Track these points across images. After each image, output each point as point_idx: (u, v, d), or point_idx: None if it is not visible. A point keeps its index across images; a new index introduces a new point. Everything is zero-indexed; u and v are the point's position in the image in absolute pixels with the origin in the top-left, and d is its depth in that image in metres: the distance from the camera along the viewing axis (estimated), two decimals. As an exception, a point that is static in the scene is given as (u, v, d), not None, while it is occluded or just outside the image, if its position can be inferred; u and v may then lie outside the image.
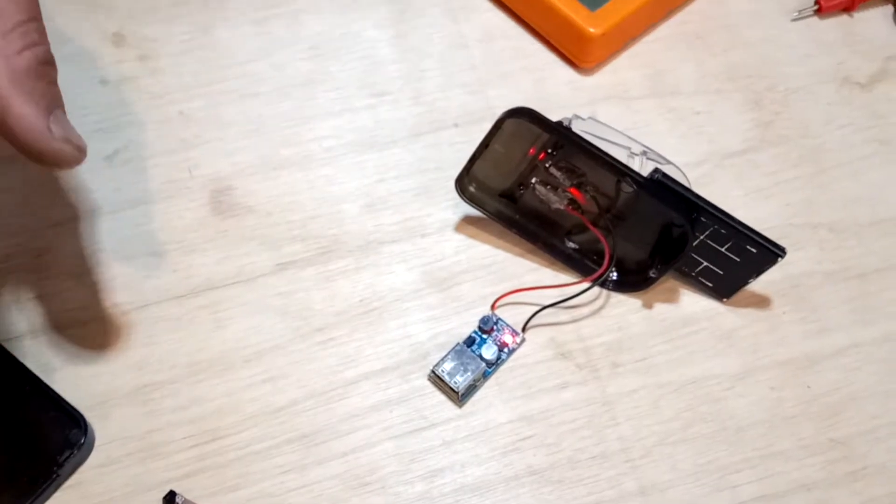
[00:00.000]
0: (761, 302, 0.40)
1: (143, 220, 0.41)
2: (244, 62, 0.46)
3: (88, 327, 0.39)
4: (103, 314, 0.39)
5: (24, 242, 0.40)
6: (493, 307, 0.40)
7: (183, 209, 0.42)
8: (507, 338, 0.39)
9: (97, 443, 0.36)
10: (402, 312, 0.40)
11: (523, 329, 0.40)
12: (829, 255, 0.41)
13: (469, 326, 0.39)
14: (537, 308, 0.40)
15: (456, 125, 0.45)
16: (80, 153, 0.28)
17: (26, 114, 0.26)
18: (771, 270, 0.39)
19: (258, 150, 0.44)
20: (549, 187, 0.39)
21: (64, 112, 0.28)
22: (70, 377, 0.37)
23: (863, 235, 0.42)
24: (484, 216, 0.41)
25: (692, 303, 0.40)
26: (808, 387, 0.38)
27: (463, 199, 0.40)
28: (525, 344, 0.39)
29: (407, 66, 0.46)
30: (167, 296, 0.40)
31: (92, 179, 0.42)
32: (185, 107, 0.44)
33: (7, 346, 0.38)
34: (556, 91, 0.46)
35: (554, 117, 0.37)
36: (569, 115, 0.39)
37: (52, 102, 0.28)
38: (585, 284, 0.39)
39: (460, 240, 0.42)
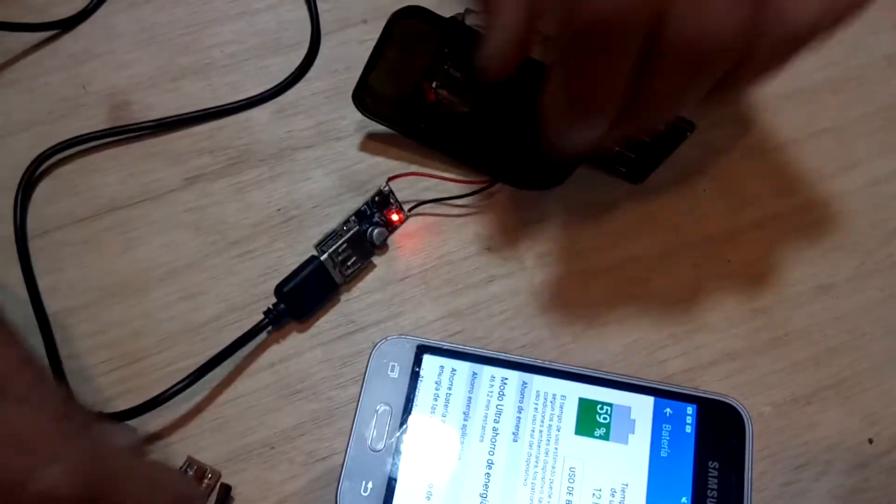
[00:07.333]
0: (682, 182, 0.40)
1: (37, 143, 0.39)
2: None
3: (-11, 258, 0.37)
4: (4, 243, 0.37)
5: None
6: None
7: (79, 128, 0.39)
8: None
9: (11, 375, 0.35)
10: (323, 219, 0.39)
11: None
12: (747, 128, 0.41)
13: (391, 228, 0.39)
14: (452, 205, 0.39)
15: (365, 21, 0.43)
16: None
17: None
18: (691, 149, 0.38)
19: (154, 60, 0.41)
20: (451, 90, 0.38)
21: None
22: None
23: (778, 108, 0.42)
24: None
25: (611, 189, 0.40)
26: (729, 261, 0.39)
27: (363, 113, 0.39)
28: (451, 242, 0.39)
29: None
30: (70, 220, 0.38)
31: (-23, 104, 0.40)
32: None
33: None
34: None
35: (447, 13, 0.36)
36: (461, 9, 0.37)
37: None
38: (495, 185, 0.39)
39: (377, 141, 0.40)
